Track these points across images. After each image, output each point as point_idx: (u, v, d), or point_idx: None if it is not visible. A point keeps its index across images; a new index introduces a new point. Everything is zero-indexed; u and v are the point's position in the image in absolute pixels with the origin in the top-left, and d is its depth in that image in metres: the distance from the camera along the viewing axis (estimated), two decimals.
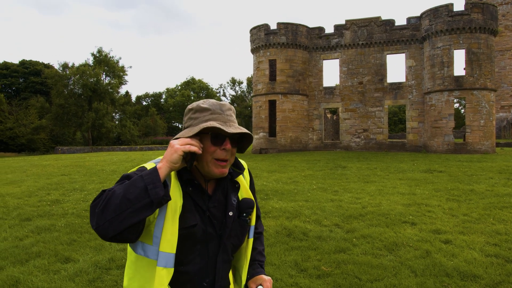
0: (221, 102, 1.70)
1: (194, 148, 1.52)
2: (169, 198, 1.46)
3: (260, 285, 1.92)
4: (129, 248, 1.67)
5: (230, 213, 1.72)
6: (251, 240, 1.88)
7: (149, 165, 1.62)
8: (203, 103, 1.68)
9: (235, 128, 1.64)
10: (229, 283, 1.80)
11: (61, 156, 31.81)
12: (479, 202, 9.40)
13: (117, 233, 1.38)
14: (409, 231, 6.95)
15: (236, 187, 1.81)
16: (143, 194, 1.39)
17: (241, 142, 1.77)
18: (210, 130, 1.61)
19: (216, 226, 1.69)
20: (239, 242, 1.79)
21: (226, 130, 1.58)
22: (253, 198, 1.85)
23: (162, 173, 1.46)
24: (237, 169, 1.82)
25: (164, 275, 1.53)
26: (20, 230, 7.31)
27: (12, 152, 55.76)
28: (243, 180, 1.85)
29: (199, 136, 1.61)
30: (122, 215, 1.37)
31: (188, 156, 1.58)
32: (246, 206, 1.79)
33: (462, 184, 12.14)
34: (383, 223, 7.57)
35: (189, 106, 1.71)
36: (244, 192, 1.84)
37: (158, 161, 1.64)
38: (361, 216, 8.13)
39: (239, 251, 1.87)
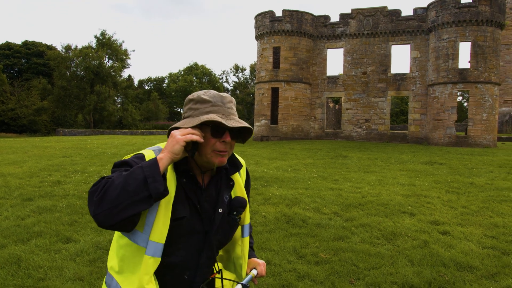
0: (222, 94, 1.67)
1: (196, 137, 1.50)
2: (167, 193, 1.44)
3: (254, 268, 1.93)
4: (117, 232, 1.64)
5: (220, 210, 1.70)
6: (247, 240, 1.88)
7: (147, 152, 1.61)
8: (204, 94, 1.65)
9: (235, 121, 1.61)
10: (209, 274, 1.80)
11: (63, 138, 31.90)
12: (478, 195, 9.43)
13: (113, 224, 1.38)
14: (408, 221, 7.00)
15: (231, 184, 1.79)
16: (142, 187, 1.37)
17: (241, 135, 1.75)
18: (210, 122, 1.58)
19: (204, 221, 1.68)
20: (225, 240, 1.78)
21: (227, 124, 1.56)
22: (246, 198, 1.82)
23: (162, 164, 1.43)
24: (234, 166, 1.80)
25: (150, 264, 1.52)
26: (22, 209, 7.37)
27: (14, 133, 55.84)
28: (239, 178, 1.82)
29: (199, 127, 1.59)
30: (119, 207, 1.35)
31: (190, 146, 1.56)
32: (238, 204, 1.77)
33: (462, 176, 12.16)
34: (382, 212, 7.61)
35: (190, 96, 1.68)
36: (238, 190, 1.81)
37: (157, 149, 1.63)
38: (360, 205, 8.18)
39: (234, 248, 1.88)
